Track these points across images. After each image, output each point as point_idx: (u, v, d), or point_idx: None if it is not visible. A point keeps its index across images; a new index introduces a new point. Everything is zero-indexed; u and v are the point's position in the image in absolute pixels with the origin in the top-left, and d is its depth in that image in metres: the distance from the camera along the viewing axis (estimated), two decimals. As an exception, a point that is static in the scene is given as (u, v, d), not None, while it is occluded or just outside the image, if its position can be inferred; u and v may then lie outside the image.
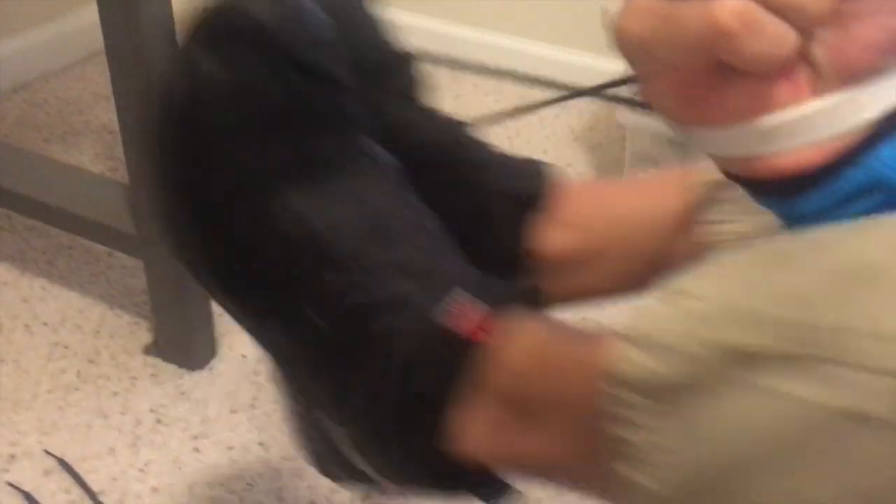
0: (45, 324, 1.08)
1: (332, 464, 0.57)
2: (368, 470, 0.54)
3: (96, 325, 1.09)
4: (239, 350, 1.06)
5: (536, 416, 0.47)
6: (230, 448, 0.95)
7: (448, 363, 0.49)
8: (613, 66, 1.60)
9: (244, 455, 0.94)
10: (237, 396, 1.01)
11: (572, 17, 1.61)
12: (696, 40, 0.34)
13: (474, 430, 0.49)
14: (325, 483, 0.91)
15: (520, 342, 0.49)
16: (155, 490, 0.90)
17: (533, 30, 1.65)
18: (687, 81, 0.36)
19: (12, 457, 0.93)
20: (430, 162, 0.60)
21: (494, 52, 1.67)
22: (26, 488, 0.89)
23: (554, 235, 0.61)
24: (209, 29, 0.51)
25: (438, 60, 1.71)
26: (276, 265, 0.50)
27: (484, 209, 0.61)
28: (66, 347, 1.06)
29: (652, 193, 0.62)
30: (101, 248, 1.18)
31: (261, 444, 0.95)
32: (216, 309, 1.06)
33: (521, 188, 0.61)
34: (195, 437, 0.96)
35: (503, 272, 0.58)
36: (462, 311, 0.49)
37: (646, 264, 0.61)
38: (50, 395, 1.00)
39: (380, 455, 0.52)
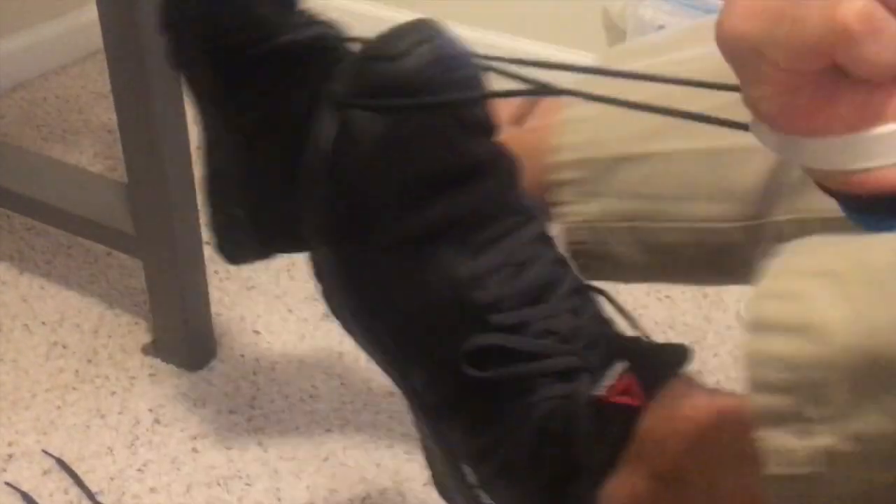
0: (44, 323, 1.08)
1: (455, 492, 0.55)
2: None
3: (95, 325, 1.09)
4: (237, 350, 1.06)
5: (692, 484, 0.46)
6: (228, 448, 0.95)
7: (605, 433, 0.48)
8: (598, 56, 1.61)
9: (242, 455, 0.94)
10: (235, 397, 1.00)
11: (571, 16, 1.61)
12: (815, 42, 0.31)
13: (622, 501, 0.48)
14: (323, 483, 0.91)
15: (671, 414, 0.48)
16: (153, 490, 0.90)
17: (535, 30, 1.65)
18: (796, 86, 0.34)
19: (10, 456, 0.93)
20: None
21: (493, 52, 1.67)
22: (24, 488, 0.89)
23: None
24: (366, 79, 0.49)
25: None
26: (423, 318, 0.49)
27: None
28: (64, 347, 1.06)
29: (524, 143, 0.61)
30: (100, 248, 1.18)
31: (259, 444, 0.95)
32: (215, 309, 1.06)
33: None
34: (193, 438, 0.96)
35: None
36: (625, 387, 0.48)
37: None
38: (48, 395, 0.99)
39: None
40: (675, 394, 0.48)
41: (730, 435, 0.45)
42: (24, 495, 0.88)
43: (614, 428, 0.47)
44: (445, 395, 0.50)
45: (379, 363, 0.52)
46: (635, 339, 0.51)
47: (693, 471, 0.46)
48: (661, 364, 0.50)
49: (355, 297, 0.51)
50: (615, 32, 1.58)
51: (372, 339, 0.52)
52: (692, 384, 0.49)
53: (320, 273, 0.52)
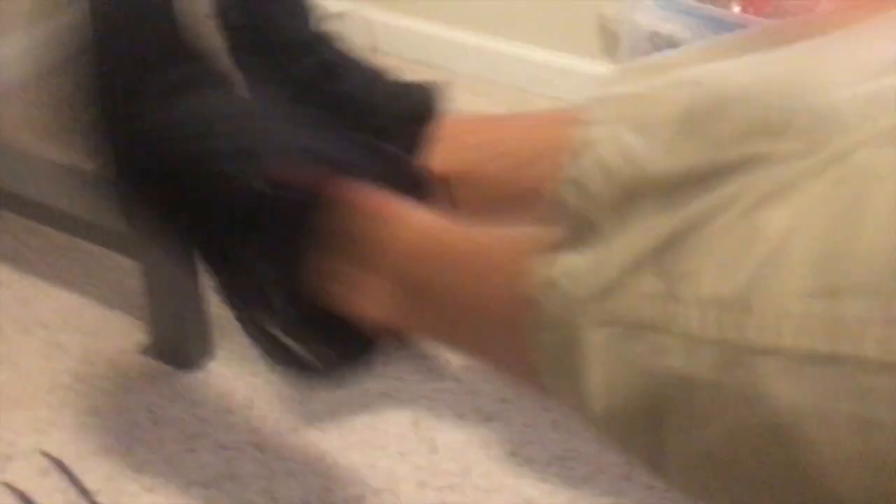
0: (44, 325, 1.09)
1: (274, 354, 0.69)
2: (290, 342, 0.66)
3: (93, 326, 1.10)
4: (235, 351, 1.06)
5: (445, 305, 0.53)
6: (225, 448, 0.95)
7: (289, 212, 0.60)
8: (605, 70, 1.62)
9: (239, 455, 0.95)
10: (232, 397, 1.01)
11: (566, 21, 1.61)
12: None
13: (365, 297, 0.54)
14: (318, 483, 0.92)
15: (414, 225, 0.54)
16: (150, 490, 0.91)
17: (527, 34, 1.66)
18: None
19: (9, 457, 0.93)
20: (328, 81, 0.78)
21: (488, 57, 1.68)
22: (22, 488, 0.90)
23: (439, 154, 0.68)
24: None
25: (433, 64, 1.72)
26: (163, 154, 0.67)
27: (376, 127, 0.71)
28: (63, 348, 1.06)
29: (537, 129, 0.69)
30: (98, 250, 1.19)
31: (255, 444, 0.96)
32: (213, 310, 1.07)
33: (413, 106, 0.71)
34: (190, 438, 0.96)
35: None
36: (295, 168, 0.61)
37: (525, 193, 0.67)
38: (47, 396, 1.00)
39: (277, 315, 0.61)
40: (418, 209, 0.59)
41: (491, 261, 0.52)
42: (22, 495, 0.89)
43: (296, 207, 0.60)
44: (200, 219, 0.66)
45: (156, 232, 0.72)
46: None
47: (444, 292, 0.53)
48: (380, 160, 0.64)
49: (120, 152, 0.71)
50: (610, 37, 1.59)
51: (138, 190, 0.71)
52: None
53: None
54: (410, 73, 1.69)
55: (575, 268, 0.44)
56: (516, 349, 0.47)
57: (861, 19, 0.47)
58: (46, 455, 0.93)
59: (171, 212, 0.69)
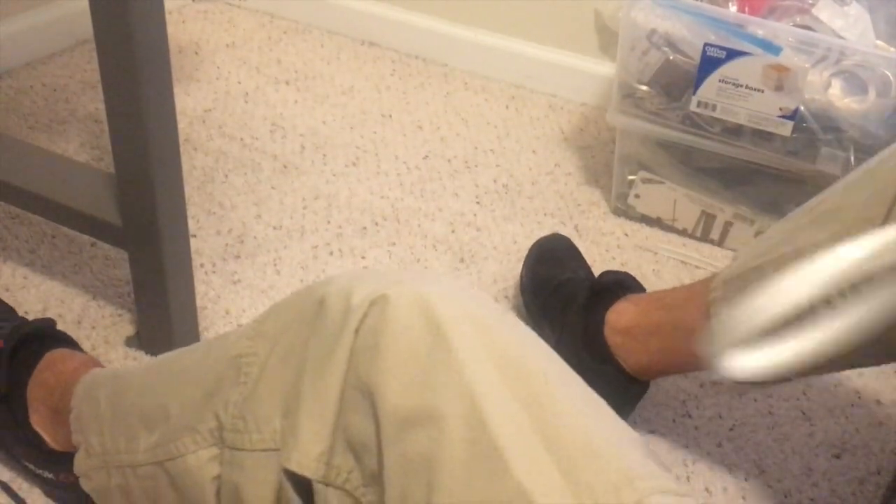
0: (27, 313, 1.07)
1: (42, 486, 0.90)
2: None
3: (78, 316, 1.08)
4: (222, 344, 1.05)
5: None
6: (211, 442, 0.94)
7: None
8: (604, 69, 1.61)
9: (225, 450, 0.93)
10: (219, 390, 1.00)
11: (563, 18, 1.61)
12: None
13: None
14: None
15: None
16: (134, 483, 0.89)
17: (524, 30, 1.65)
18: None
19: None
20: None
21: (485, 52, 1.67)
22: (4, 478, 0.88)
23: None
24: None
25: (429, 59, 1.71)
26: None
27: None
28: (46, 337, 1.05)
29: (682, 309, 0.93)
30: (84, 238, 1.18)
31: (242, 438, 0.95)
32: (200, 302, 1.05)
33: None
34: (176, 431, 0.95)
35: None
36: None
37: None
38: (29, 386, 0.98)
39: None
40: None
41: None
42: (4, 486, 0.87)
43: None
44: None
45: None
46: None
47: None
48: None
49: None
50: (607, 34, 1.58)
51: None
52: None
53: None
54: (407, 67, 1.67)
55: None
56: None
57: None
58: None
59: None
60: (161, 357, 0.74)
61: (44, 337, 0.88)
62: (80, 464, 0.75)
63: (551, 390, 0.51)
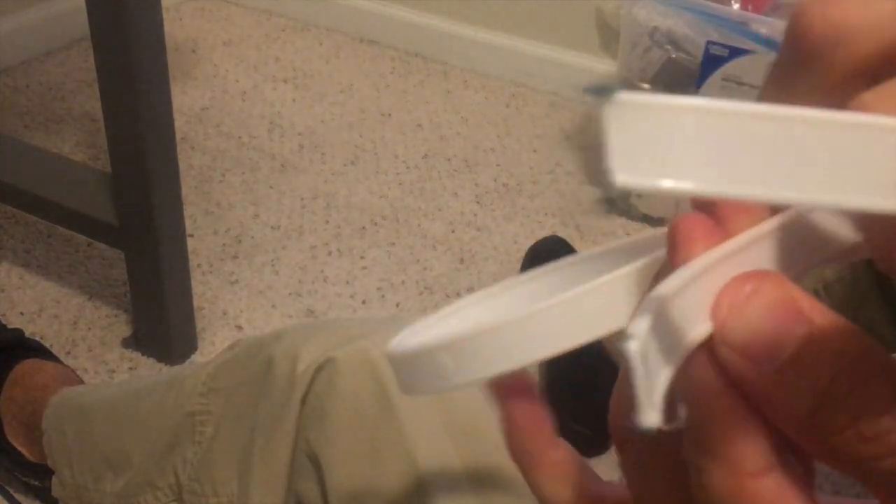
0: (22, 313, 1.06)
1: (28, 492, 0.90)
2: None
3: (74, 316, 1.07)
4: (219, 344, 1.04)
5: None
6: (208, 445, 0.93)
7: None
8: (603, 66, 1.60)
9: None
10: (217, 392, 0.99)
11: (564, 16, 1.60)
12: None
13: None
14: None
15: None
16: (130, 486, 0.88)
17: (525, 28, 1.64)
18: None
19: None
20: None
21: (485, 50, 1.66)
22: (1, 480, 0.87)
23: None
24: None
25: (429, 57, 1.70)
26: None
27: None
28: (42, 338, 1.03)
29: None
30: (80, 238, 1.16)
31: (240, 441, 0.94)
32: (197, 303, 1.04)
33: None
34: (173, 433, 0.94)
35: None
36: None
37: None
38: (24, 387, 0.97)
39: None
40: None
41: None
42: (1, 489, 0.87)
43: None
44: None
45: None
46: None
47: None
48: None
49: None
50: (608, 32, 1.57)
51: None
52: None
53: None
54: (407, 65, 1.67)
55: None
56: None
57: None
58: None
59: None
60: (123, 390, 0.74)
61: (13, 347, 0.89)
62: (56, 490, 0.76)
63: (507, 460, 0.49)
